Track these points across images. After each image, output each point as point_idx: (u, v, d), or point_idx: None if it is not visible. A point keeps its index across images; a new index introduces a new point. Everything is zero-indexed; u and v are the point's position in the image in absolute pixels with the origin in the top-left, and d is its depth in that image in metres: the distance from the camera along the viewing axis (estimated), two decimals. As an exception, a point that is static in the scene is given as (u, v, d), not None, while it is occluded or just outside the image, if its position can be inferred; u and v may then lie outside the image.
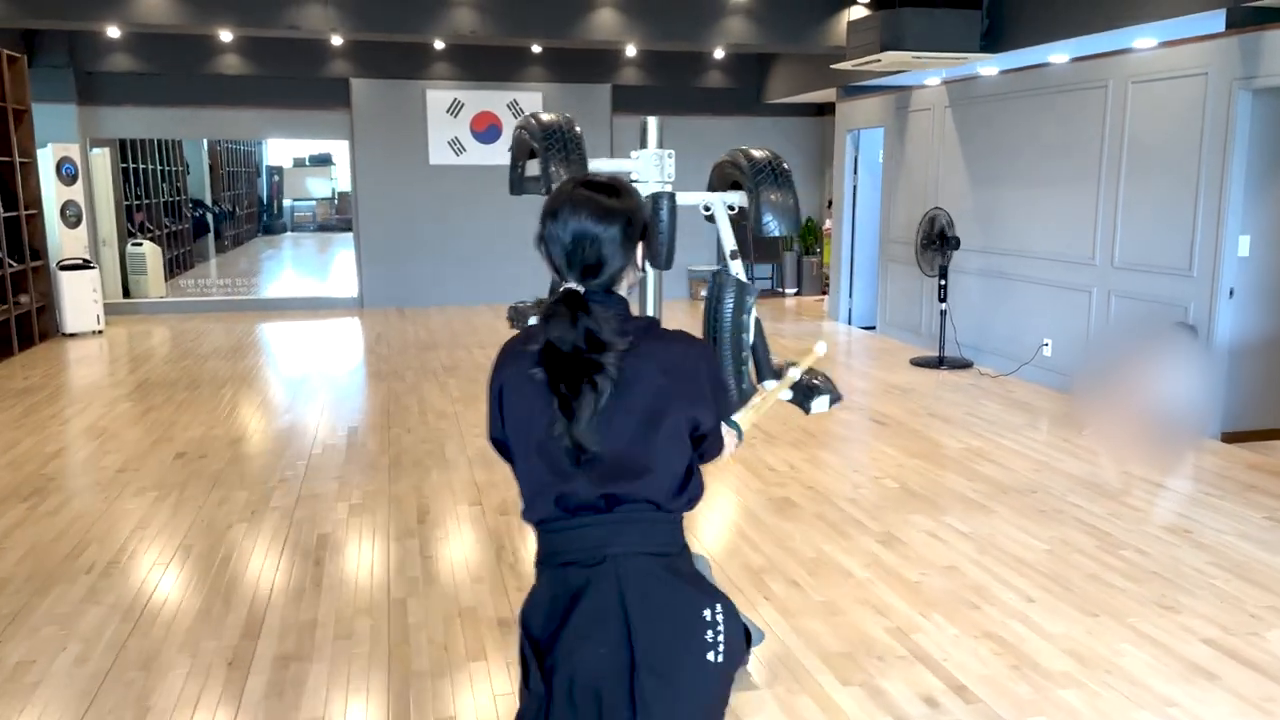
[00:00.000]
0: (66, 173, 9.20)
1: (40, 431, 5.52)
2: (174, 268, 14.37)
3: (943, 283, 7.49)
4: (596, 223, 1.55)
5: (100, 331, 9.02)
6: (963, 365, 7.38)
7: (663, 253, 2.80)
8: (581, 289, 1.54)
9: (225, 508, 4.26)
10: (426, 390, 6.64)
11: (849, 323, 9.62)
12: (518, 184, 3.09)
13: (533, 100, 10.79)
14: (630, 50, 10.38)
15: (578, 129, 2.77)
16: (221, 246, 17.80)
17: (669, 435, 1.54)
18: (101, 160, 10.46)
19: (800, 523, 4.12)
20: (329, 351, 8.28)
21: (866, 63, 6.96)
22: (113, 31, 9.24)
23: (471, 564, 3.68)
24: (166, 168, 14.20)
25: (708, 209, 3.00)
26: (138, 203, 12.41)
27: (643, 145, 2.90)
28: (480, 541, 3.90)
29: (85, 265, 8.94)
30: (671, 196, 2.80)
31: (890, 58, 6.71)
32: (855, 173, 9.58)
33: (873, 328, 9.25)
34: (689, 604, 1.55)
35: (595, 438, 1.48)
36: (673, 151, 2.96)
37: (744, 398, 2.82)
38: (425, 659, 2.96)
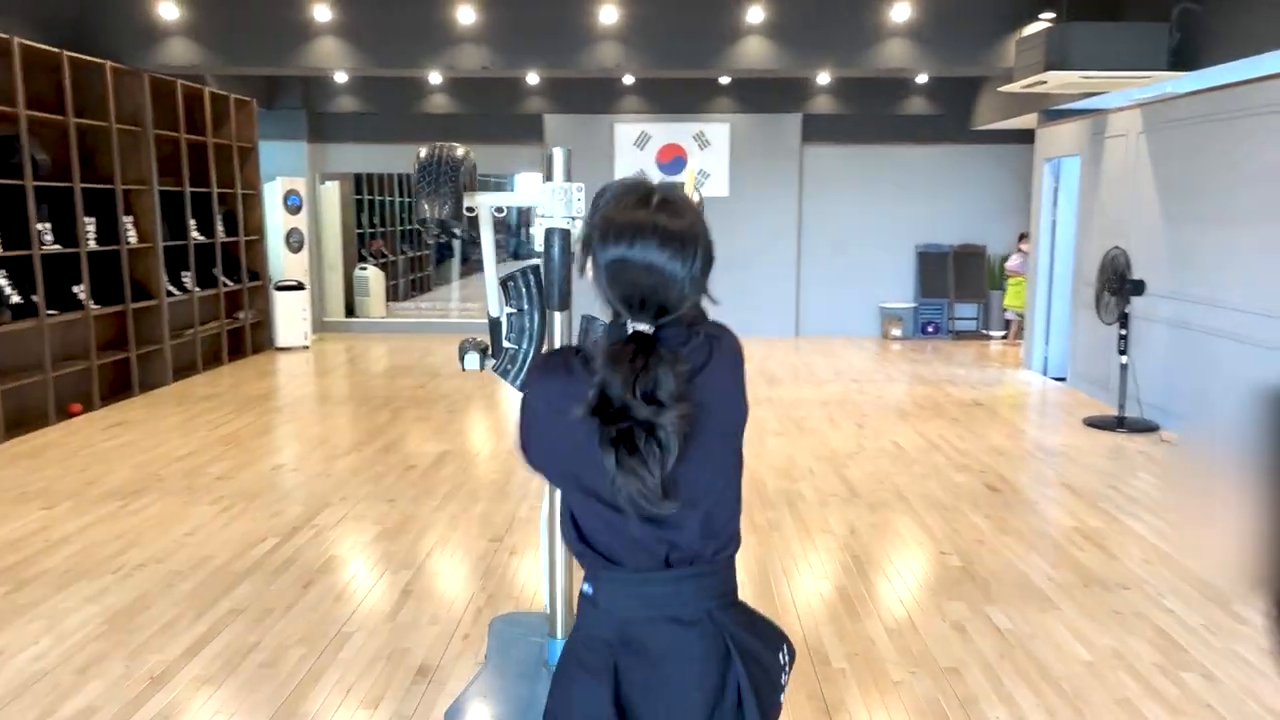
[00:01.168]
0: (291, 204, 10.25)
1: (187, 436, 6.13)
2: (411, 290, 15.63)
3: (1123, 332, 6.52)
4: (673, 256, 1.32)
5: (307, 346, 9.94)
6: (1146, 429, 6.36)
7: (554, 294, 2.61)
8: (650, 329, 1.34)
9: (275, 520, 4.49)
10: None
11: (1044, 373, 8.63)
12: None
13: (719, 131, 10.68)
14: (823, 78, 10.03)
15: (459, 155, 2.64)
16: (466, 271, 19.15)
17: (733, 474, 1.43)
18: (331, 192, 11.56)
19: (814, 595, 3.69)
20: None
21: (1032, 84, 6.24)
22: (340, 76, 10.25)
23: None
24: (407, 199, 15.48)
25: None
26: (373, 230, 13.61)
27: (547, 177, 2.73)
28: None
29: (297, 287, 9.88)
30: (567, 233, 2.61)
31: (1056, 79, 5.98)
32: (1055, 205, 8.62)
33: (1064, 379, 8.25)
34: (774, 651, 1.46)
35: (659, 500, 1.30)
36: (583, 185, 2.76)
37: None
38: (325, 696, 2.92)
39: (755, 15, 7.25)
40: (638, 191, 1.37)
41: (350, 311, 11.82)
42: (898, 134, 10.66)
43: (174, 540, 4.23)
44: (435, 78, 10.44)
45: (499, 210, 2.80)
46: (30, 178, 6.18)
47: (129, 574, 3.85)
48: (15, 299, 6.17)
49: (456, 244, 18.45)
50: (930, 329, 10.87)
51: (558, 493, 2.74)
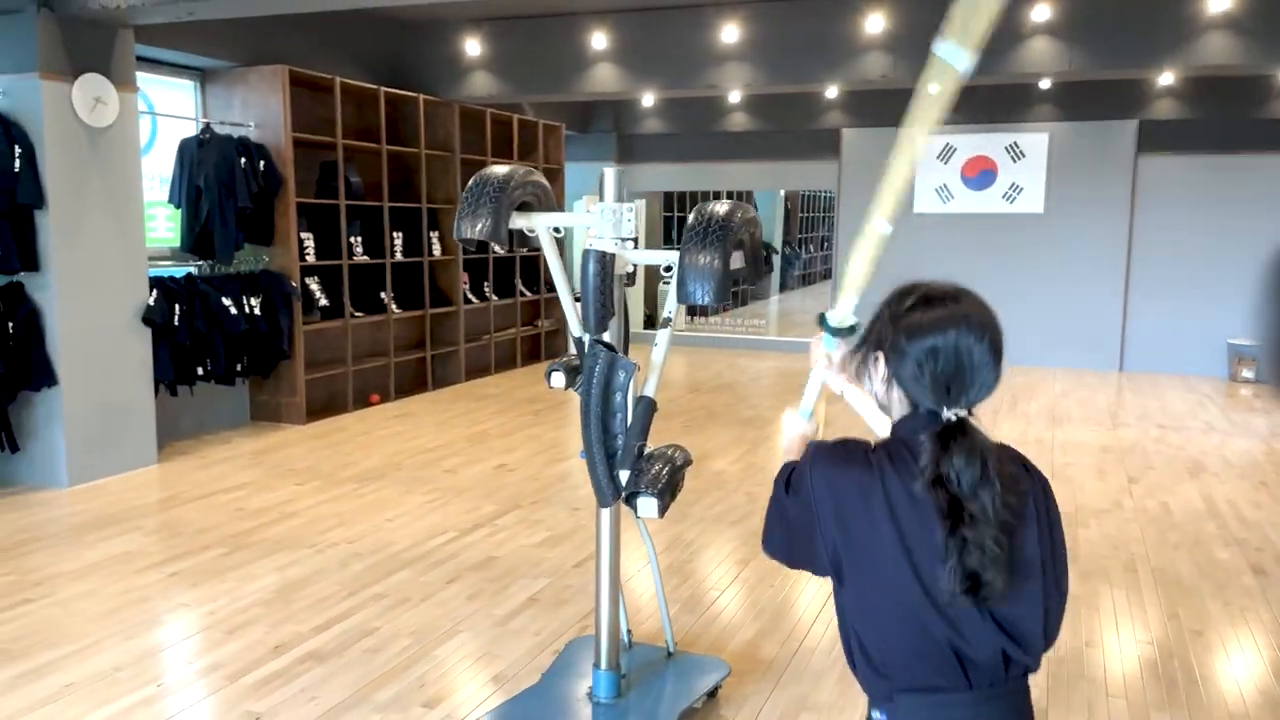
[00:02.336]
0: (595, 219, 10.90)
1: (446, 430, 6.76)
2: (729, 302, 15.94)
3: None
4: (979, 340, 1.37)
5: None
6: None
7: (591, 316, 2.56)
8: (963, 416, 1.35)
9: (465, 516, 4.82)
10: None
11: None
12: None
13: (1036, 142, 9.73)
14: (1166, 78, 8.79)
15: (501, 175, 2.66)
16: (785, 286, 19.14)
17: (1062, 566, 1.39)
18: (638, 210, 12.11)
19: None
20: (755, 392, 8.53)
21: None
22: (647, 100, 10.75)
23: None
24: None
25: (668, 269, 2.63)
26: (685, 245, 14.07)
27: (601, 197, 2.68)
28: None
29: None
30: (603, 255, 2.55)
31: None
32: None
33: None
34: None
35: (1003, 589, 1.27)
36: (635, 205, 2.68)
37: (603, 492, 2.45)
38: None
39: (1041, 13, 6.52)
40: (935, 287, 1.47)
41: (650, 324, 12.30)
42: (1258, 141, 9.03)
43: (374, 525, 4.69)
44: (734, 96, 10.58)
45: (557, 230, 2.80)
46: (343, 197, 7.16)
47: (321, 550, 4.33)
48: (324, 302, 7.17)
49: (776, 258, 18.69)
50: (1293, 371, 9.06)
51: (606, 522, 2.67)
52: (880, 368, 1.43)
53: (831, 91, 10.08)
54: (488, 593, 3.88)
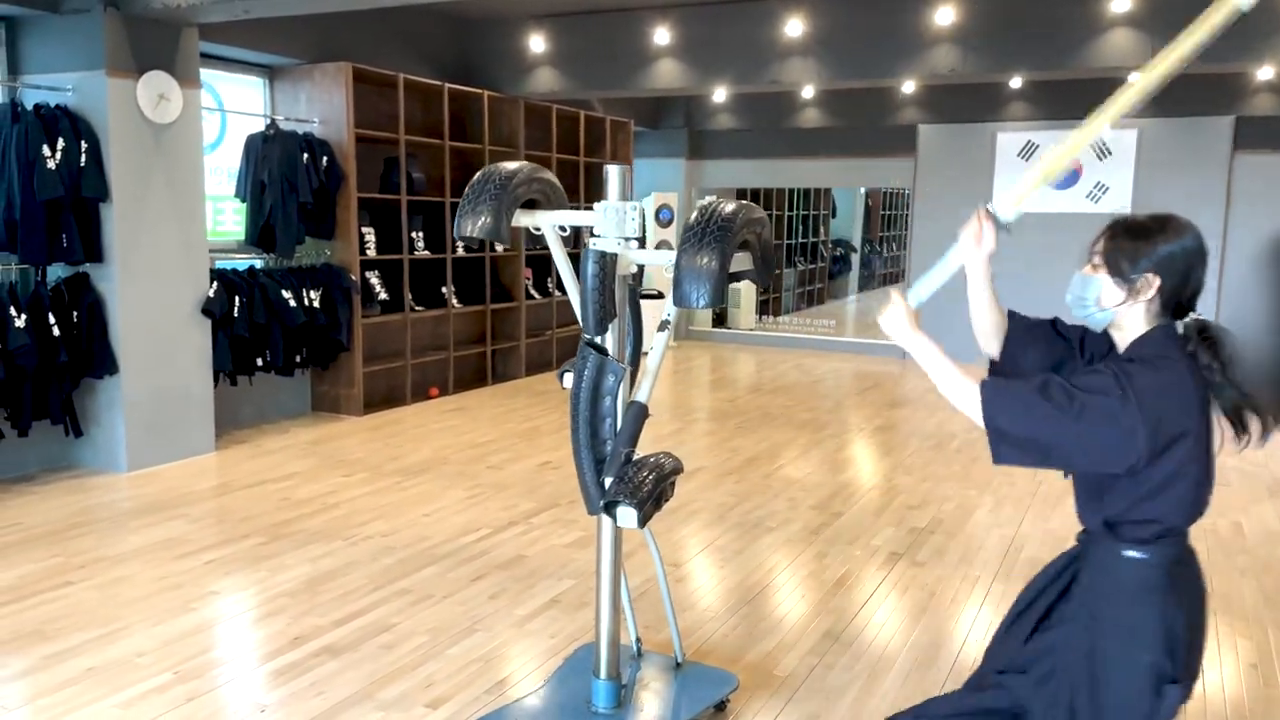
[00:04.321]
0: (663, 217, 10.77)
1: (498, 426, 6.78)
2: (801, 303, 15.72)
3: None
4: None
5: (646, 353, 10.42)
6: None
7: (589, 317, 2.50)
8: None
9: (502, 512, 4.81)
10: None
11: None
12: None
13: (1125, 138, 9.28)
14: (1265, 73, 8.30)
15: (508, 171, 2.60)
16: (865, 284, 18.75)
17: None
18: (648, 207, 11.98)
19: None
20: (815, 396, 8.35)
21: None
22: (719, 96, 10.64)
23: (583, 619, 3.60)
24: (805, 212, 15.58)
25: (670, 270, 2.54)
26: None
27: (604, 195, 2.61)
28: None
29: (658, 295, 10.42)
30: (602, 255, 2.48)
31: None
32: None
33: None
34: None
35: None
36: (640, 204, 2.60)
37: (591, 499, 2.38)
38: None
39: (1121, 3, 6.20)
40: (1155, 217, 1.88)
41: (720, 322, 12.18)
42: (1370, 137, 8.45)
43: (411, 519, 4.72)
44: (807, 92, 10.38)
45: (562, 229, 2.74)
46: (405, 193, 7.25)
47: (355, 543, 4.37)
48: (383, 296, 7.27)
49: (855, 256, 18.31)
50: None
51: (607, 528, 2.62)
52: (1152, 286, 1.79)
53: (908, 87, 9.80)
54: (511, 592, 3.85)
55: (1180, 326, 1.80)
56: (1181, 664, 1.77)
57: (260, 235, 6.42)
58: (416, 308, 7.59)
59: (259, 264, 6.50)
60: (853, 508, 5.05)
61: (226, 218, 6.69)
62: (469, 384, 8.25)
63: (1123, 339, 1.84)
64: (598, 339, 2.54)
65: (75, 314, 5.21)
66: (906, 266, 10.47)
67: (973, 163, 9.90)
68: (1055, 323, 2.06)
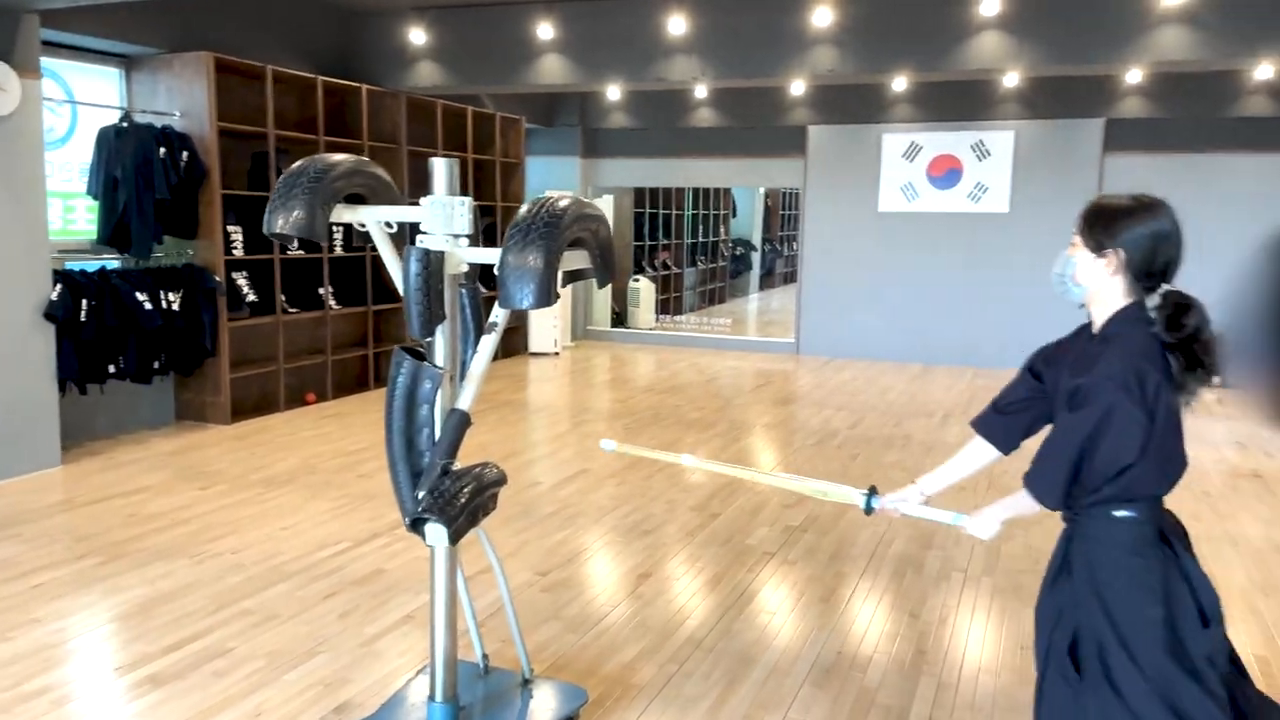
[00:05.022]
0: (556, 215, 10.68)
1: (376, 431, 6.53)
2: (703, 302, 15.74)
3: None
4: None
5: (557, 353, 10.30)
6: None
7: (414, 319, 2.35)
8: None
9: (366, 525, 4.60)
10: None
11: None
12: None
13: (1002, 140, 9.51)
14: (1133, 76, 8.58)
15: (328, 164, 2.44)
16: (767, 284, 18.91)
17: None
18: (604, 205, 11.87)
19: (831, 698, 3.03)
20: (717, 391, 8.31)
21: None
22: (613, 94, 10.52)
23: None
24: (705, 211, 15.61)
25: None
26: (654, 243, 13.85)
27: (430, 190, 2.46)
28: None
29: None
30: (426, 253, 2.33)
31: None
32: None
33: None
34: None
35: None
36: (468, 199, 2.46)
37: (407, 514, 2.24)
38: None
39: (990, 6, 6.31)
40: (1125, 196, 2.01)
41: (620, 321, 12.09)
42: (1232, 140, 8.82)
43: (266, 533, 4.48)
44: (701, 92, 10.36)
45: (389, 225, 2.58)
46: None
47: (201, 561, 4.12)
48: (252, 297, 6.95)
49: (755, 255, 18.45)
50: None
51: (440, 549, 2.47)
52: (1114, 261, 1.94)
53: (797, 88, 9.87)
54: (363, 609, 3.66)
55: (1158, 298, 1.95)
56: (1194, 611, 1.88)
57: (114, 234, 6.06)
58: (290, 310, 7.28)
59: (113, 265, 6.13)
60: (729, 508, 4.99)
61: (78, 215, 6.30)
62: (349, 389, 7.96)
63: (1098, 313, 2.01)
64: (427, 342, 2.38)
65: (-105, 320, 4.80)
66: (799, 264, 10.54)
67: (859, 163, 10.02)
68: (1031, 370, 2.21)
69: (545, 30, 7.41)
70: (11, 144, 5.15)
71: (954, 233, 9.75)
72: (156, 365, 6.17)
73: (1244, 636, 3.50)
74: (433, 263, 2.34)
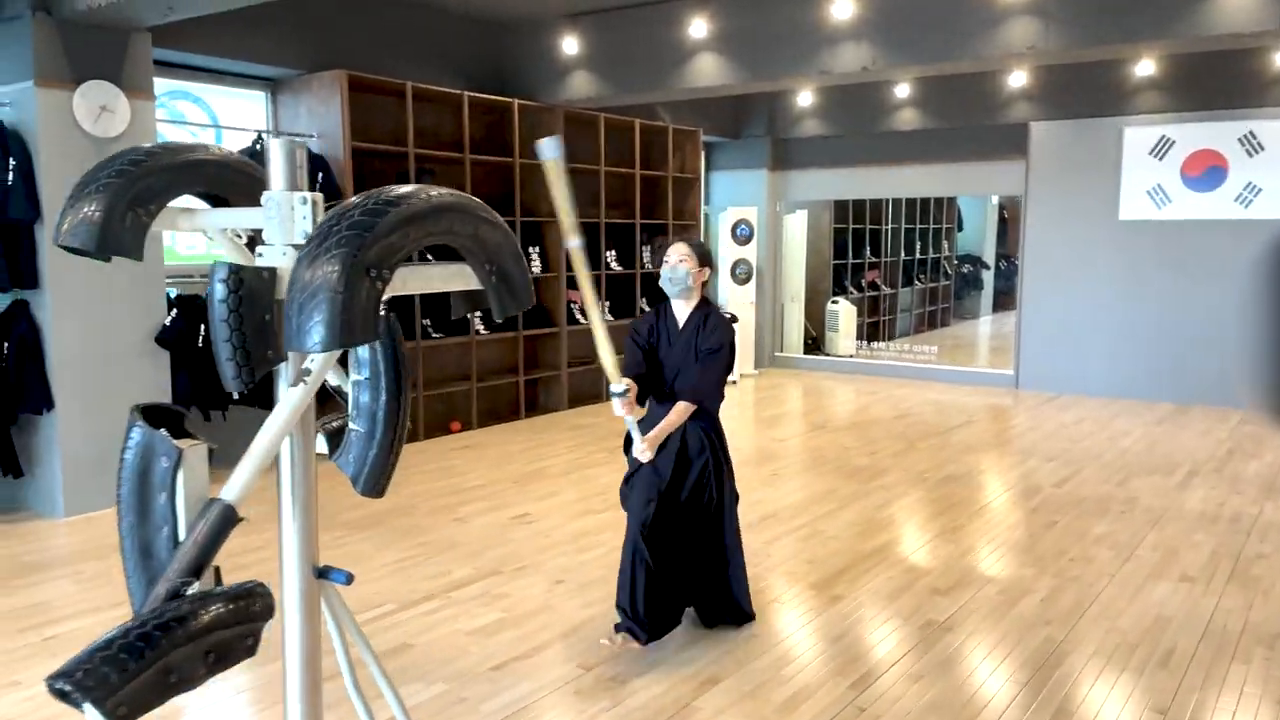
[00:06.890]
0: (740, 234, 9.89)
1: (500, 468, 6.03)
2: (921, 326, 14.33)
3: None
4: None
5: (734, 382, 9.47)
6: None
7: (222, 365, 1.67)
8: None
9: (426, 583, 4.04)
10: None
11: None
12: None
13: (1276, 130, 7.69)
14: None
15: (131, 154, 1.82)
16: (1003, 304, 17.00)
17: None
18: (797, 221, 10.92)
19: None
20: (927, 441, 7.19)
21: None
22: (804, 99, 9.64)
23: None
24: (920, 225, 14.20)
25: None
26: (873, 260, 12.67)
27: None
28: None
29: (731, 319, 9.45)
30: (236, 270, 1.64)
31: None
32: None
33: None
34: None
35: None
36: (313, 195, 1.76)
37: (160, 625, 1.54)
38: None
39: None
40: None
41: (815, 347, 11.05)
42: None
43: (316, 586, 4.00)
44: (902, 90, 9.23)
45: (238, 235, 1.94)
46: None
47: (229, 617, 3.69)
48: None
49: (988, 274, 16.63)
50: None
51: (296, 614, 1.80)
52: (706, 275, 3.53)
53: (1017, 79, 8.54)
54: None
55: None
56: None
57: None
58: (434, 334, 6.97)
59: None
60: (861, 589, 3.99)
61: (198, 239, 6.25)
62: (502, 417, 7.57)
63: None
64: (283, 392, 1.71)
65: (5, 345, 4.81)
66: (1019, 285, 9.10)
67: (1093, 163, 8.49)
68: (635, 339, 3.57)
69: (698, 28, 6.68)
70: (128, 168, 5.08)
71: (1217, 244, 8.00)
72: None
73: None
74: (248, 284, 1.65)
